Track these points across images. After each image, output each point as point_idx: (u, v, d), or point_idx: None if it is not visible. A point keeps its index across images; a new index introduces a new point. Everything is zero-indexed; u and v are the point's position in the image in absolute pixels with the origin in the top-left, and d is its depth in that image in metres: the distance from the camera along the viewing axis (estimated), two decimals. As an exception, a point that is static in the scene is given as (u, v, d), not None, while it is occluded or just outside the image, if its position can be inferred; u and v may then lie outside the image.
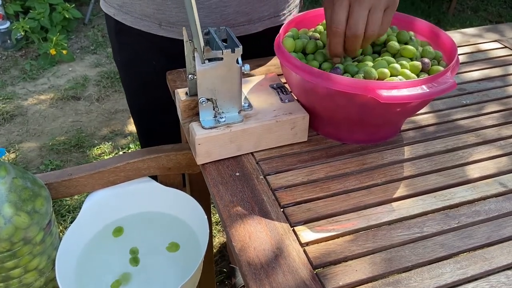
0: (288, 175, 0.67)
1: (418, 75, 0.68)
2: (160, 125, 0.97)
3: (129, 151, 1.98)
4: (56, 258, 0.70)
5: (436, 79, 0.63)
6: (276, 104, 0.73)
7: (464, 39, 1.06)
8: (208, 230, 0.72)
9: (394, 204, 0.63)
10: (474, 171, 0.69)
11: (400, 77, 0.66)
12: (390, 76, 0.66)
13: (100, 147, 2.03)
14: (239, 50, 0.64)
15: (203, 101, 0.67)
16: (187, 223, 0.80)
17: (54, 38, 2.55)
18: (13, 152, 1.98)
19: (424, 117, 0.80)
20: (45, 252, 0.70)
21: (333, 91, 0.63)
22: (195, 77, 0.67)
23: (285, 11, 0.92)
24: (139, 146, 1.27)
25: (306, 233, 0.59)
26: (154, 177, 0.82)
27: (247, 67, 0.67)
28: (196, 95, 0.69)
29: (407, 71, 0.67)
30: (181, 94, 0.73)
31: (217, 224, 1.65)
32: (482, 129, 0.78)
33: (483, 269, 0.55)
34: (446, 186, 0.66)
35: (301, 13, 0.79)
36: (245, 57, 0.69)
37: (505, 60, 0.98)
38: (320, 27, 0.77)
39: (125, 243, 0.79)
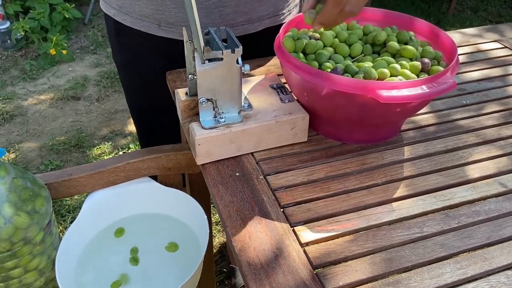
0: (288, 175, 0.67)
1: (418, 75, 0.68)
2: (160, 125, 0.97)
3: (129, 151, 1.98)
4: (56, 258, 0.70)
5: (436, 79, 0.63)
6: (276, 104, 0.73)
7: (464, 39, 1.06)
8: (208, 230, 0.72)
9: (394, 204, 0.63)
10: (474, 171, 0.69)
11: (400, 77, 0.66)
12: (390, 76, 0.66)
13: (100, 147, 2.03)
14: (239, 50, 0.64)
15: (203, 102, 0.67)
16: (187, 223, 0.80)
17: (54, 38, 2.55)
18: (13, 152, 1.98)
19: (424, 117, 0.80)
20: (45, 252, 0.70)
21: (333, 91, 0.63)
22: (195, 77, 0.67)
23: (284, 11, 0.92)
24: (139, 146, 1.27)
25: (306, 233, 0.59)
26: (154, 177, 0.82)
27: (247, 67, 0.67)
28: (196, 95, 0.69)
29: (407, 71, 0.67)
30: (181, 94, 0.73)
31: (217, 224, 1.65)
32: (482, 129, 0.78)
33: (483, 269, 0.55)
34: (446, 186, 0.66)
35: (301, 13, 0.79)
36: (245, 57, 0.69)
37: (505, 60, 0.98)
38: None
39: (125, 243, 0.79)
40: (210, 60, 0.64)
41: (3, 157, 0.68)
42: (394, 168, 0.69)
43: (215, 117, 0.69)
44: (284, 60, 0.68)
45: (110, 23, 0.92)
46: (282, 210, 0.62)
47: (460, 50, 1.00)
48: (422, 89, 0.61)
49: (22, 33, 2.63)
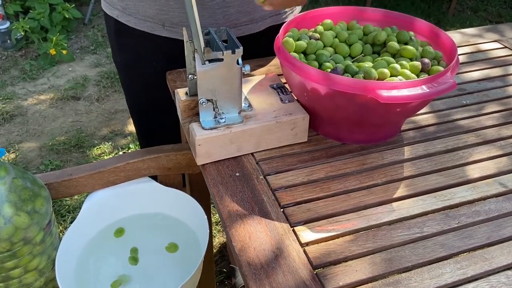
0: (288, 175, 0.67)
1: (418, 75, 0.68)
2: (160, 126, 0.97)
3: (129, 151, 1.98)
4: (56, 258, 0.70)
5: (436, 79, 0.63)
6: (276, 105, 0.73)
7: (464, 39, 1.06)
8: (208, 230, 0.72)
9: (394, 204, 0.63)
10: (474, 171, 0.69)
11: (400, 77, 0.66)
12: (390, 76, 0.66)
13: (100, 147, 2.02)
14: (240, 51, 0.64)
15: (203, 102, 0.67)
16: (187, 223, 0.80)
17: (54, 38, 2.55)
18: (13, 152, 1.98)
19: (424, 117, 0.80)
20: (45, 252, 0.70)
21: (333, 91, 0.63)
22: (195, 77, 0.67)
23: (287, 9, 0.92)
24: (139, 146, 1.27)
25: (306, 233, 0.59)
26: (154, 177, 0.81)
27: (247, 67, 0.67)
28: (196, 95, 0.69)
29: (407, 71, 0.67)
30: (181, 94, 0.73)
31: (217, 224, 1.65)
32: (482, 129, 0.78)
33: (483, 269, 0.55)
34: (446, 186, 0.66)
35: (301, 13, 0.79)
36: (246, 57, 0.69)
37: (505, 60, 0.98)
38: (320, 27, 0.77)
39: (125, 243, 0.79)
40: (210, 61, 0.64)
41: (3, 157, 0.68)
42: (394, 168, 0.69)
43: (215, 117, 0.69)
44: (284, 60, 0.68)
45: (111, 24, 0.92)
46: (282, 210, 0.62)
47: (460, 50, 1.00)
48: (422, 89, 0.61)
49: (22, 33, 2.63)
